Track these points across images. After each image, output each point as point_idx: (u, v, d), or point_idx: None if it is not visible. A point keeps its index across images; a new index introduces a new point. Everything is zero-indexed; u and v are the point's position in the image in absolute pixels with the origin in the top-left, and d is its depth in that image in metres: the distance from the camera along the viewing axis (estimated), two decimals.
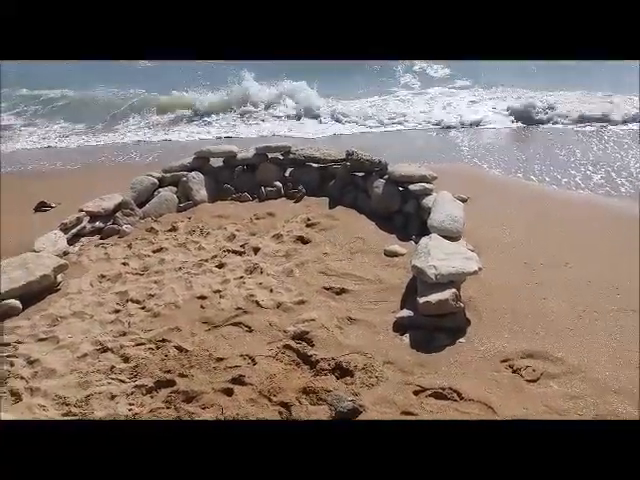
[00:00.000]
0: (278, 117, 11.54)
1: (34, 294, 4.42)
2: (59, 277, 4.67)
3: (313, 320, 3.87)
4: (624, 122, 9.39)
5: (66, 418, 3.08)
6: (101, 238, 5.64)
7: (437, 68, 14.98)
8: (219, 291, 4.39)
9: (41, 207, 6.62)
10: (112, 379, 3.46)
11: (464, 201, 5.71)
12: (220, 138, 10.36)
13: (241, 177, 6.62)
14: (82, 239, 5.57)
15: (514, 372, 3.27)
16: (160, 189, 6.42)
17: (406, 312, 3.83)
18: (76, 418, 3.08)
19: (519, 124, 10.07)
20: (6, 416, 2.97)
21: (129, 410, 3.18)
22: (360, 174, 6.05)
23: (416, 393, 3.16)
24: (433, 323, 3.69)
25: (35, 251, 4.84)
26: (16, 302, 4.23)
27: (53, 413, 3.18)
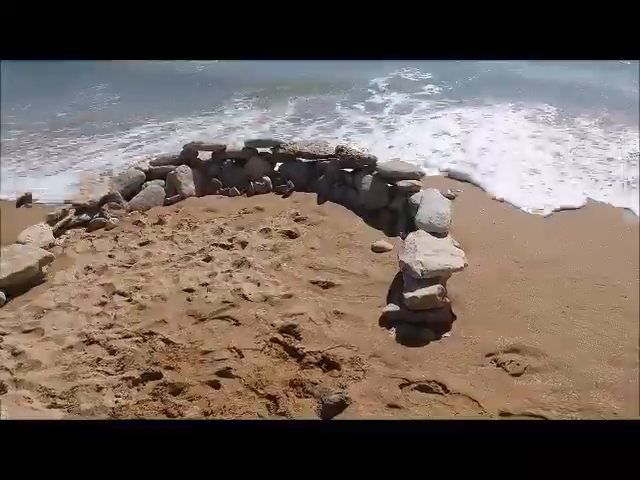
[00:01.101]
0: None
1: (19, 285, 4.38)
2: (44, 269, 4.63)
3: (300, 314, 3.89)
4: None
5: (65, 418, 3.05)
6: (87, 230, 5.59)
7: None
8: (206, 284, 4.38)
9: (24, 201, 6.53)
10: (98, 371, 3.45)
11: (452, 198, 5.76)
12: None
13: (230, 171, 6.60)
14: (68, 231, 5.53)
15: (498, 366, 3.32)
16: (148, 182, 6.39)
17: (392, 307, 3.86)
18: (76, 418, 3.05)
19: None
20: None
21: (115, 402, 3.17)
22: (349, 170, 6.06)
23: (402, 386, 3.19)
24: (419, 318, 3.72)
25: (21, 242, 4.80)
26: (0, 293, 4.19)
27: (38, 405, 3.16)
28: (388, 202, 5.55)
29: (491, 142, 8.16)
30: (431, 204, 4.90)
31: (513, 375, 3.23)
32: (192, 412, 3.06)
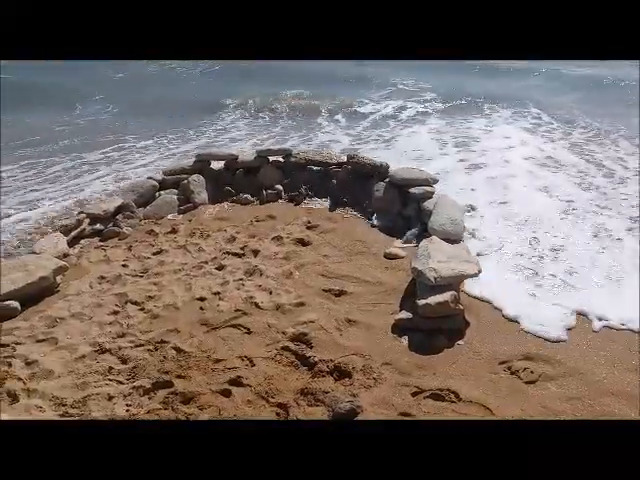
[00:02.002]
0: None
1: (33, 295, 4.41)
2: (58, 279, 4.67)
3: (312, 322, 3.87)
4: None
5: (65, 418, 3.07)
6: (101, 240, 5.64)
7: None
8: (218, 293, 4.38)
9: None
10: (110, 380, 3.45)
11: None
12: None
13: (242, 180, 6.63)
14: (82, 241, 5.58)
15: (512, 374, 3.26)
16: (161, 191, 6.44)
17: (405, 314, 3.82)
18: (75, 418, 3.07)
19: None
20: (5, 416, 2.97)
21: (126, 411, 3.17)
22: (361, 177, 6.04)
23: (414, 394, 3.14)
24: (432, 325, 3.67)
25: (35, 253, 4.85)
26: (15, 303, 4.23)
27: (50, 414, 3.17)
28: (401, 209, 5.52)
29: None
30: (444, 210, 4.87)
31: (527, 383, 3.17)
32: None
